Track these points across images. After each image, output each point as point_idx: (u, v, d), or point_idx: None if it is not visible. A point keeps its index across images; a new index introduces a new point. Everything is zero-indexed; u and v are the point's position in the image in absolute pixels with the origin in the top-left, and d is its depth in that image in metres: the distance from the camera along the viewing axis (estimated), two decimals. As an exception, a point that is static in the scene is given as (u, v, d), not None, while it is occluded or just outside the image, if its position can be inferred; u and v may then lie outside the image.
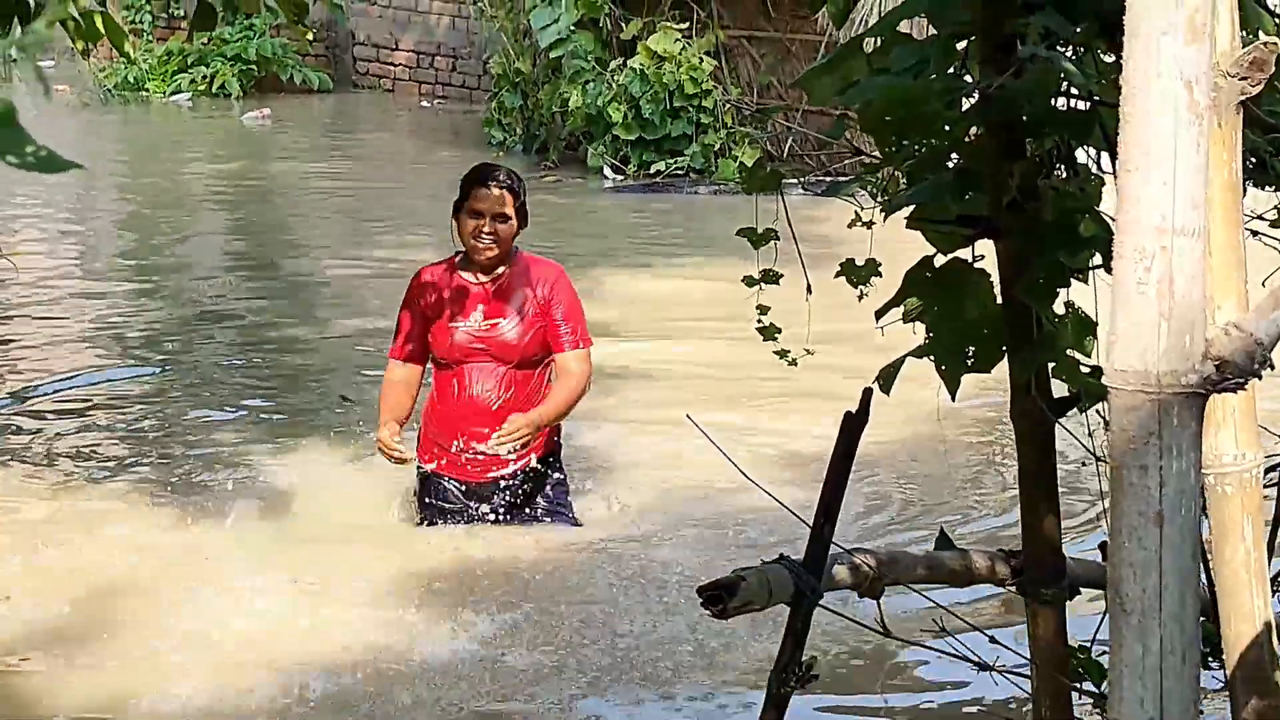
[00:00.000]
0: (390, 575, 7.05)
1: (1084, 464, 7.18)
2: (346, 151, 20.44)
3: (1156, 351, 1.76)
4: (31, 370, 10.28)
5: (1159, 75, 1.78)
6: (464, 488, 7.47)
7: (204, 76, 24.06)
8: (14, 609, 6.65)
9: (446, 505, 7.50)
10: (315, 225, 15.92)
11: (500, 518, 7.42)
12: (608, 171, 18.22)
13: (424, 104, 23.95)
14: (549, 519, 7.44)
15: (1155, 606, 1.71)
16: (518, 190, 7.42)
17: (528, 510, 7.44)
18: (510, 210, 7.34)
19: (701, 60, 17.99)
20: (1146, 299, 1.75)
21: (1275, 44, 2.19)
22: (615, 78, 18.11)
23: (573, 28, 18.47)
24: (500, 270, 7.43)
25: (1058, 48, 3.26)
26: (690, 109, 17.99)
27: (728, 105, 18.08)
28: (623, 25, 18.56)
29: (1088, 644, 3.89)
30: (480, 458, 7.39)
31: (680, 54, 17.93)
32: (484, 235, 7.28)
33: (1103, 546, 4.20)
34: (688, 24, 18.30)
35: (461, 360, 7.36)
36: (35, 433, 9.06)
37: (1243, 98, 2.28)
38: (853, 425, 3.11)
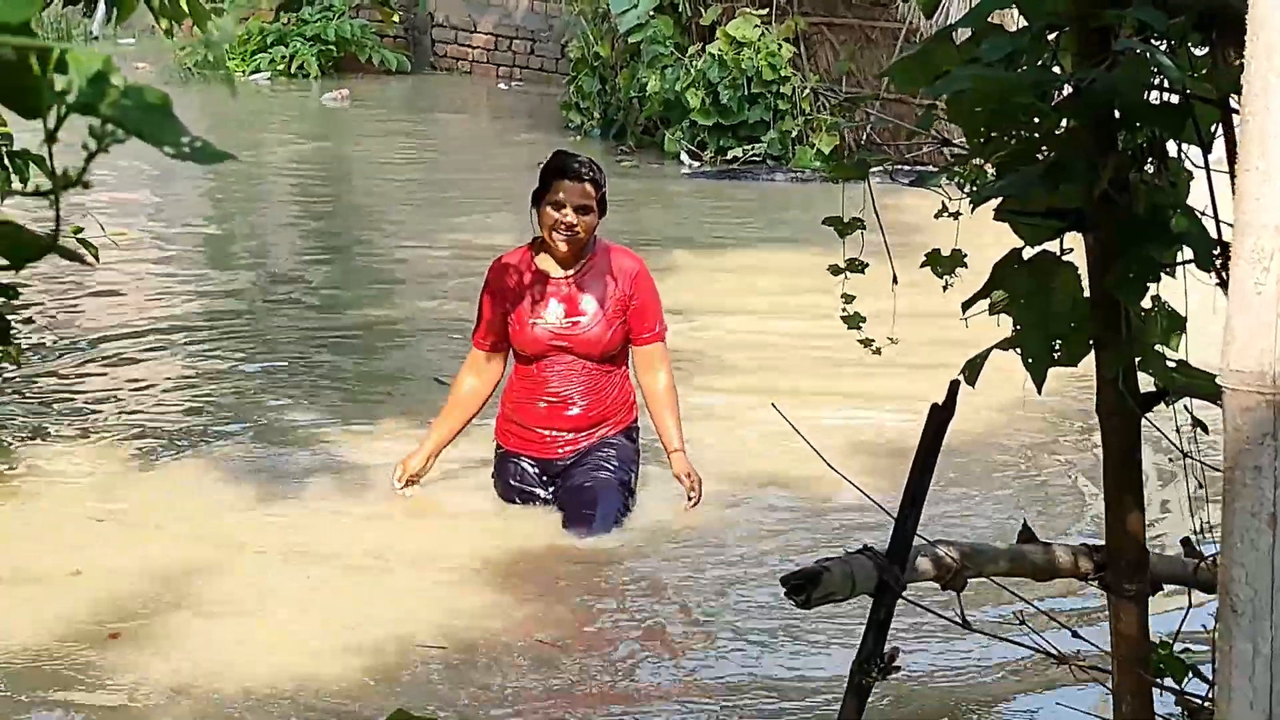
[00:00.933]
0: (470, 556, 7.08)
1: (1170, 459, 7.15)
2: (424, 132, 20.49)
3: (1274, 353, 1.75)
4: (106, 345, 10.35)
5: (1279, 74, 1.76)
6: (539, 467, 7.52)
7: (283, 56, 24.17)
8: (89, 584, 6.71)
9: (524, 486, 7.54)
10: (393, 205, 15.97)
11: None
12: (684, 157, 18.20)
13: (501, 86, 23.99)
14: (598, 472, 7.44)
15: (1267, 608, 1.70)
16: (600, 181, 7.41)
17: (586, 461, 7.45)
18: (592, 202, 7.34)
19: (780, 47, 17.94)
20: (1264, 300, 1.73)
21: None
22: (693, 63, 18.09)
23: (652, 13, 18.45)
24: (580, 262, 7.44)
25: (1152, 41, 3.24)
26: (768, 95, 17.95)
27: (807, 91, 18.03)
28: (702, 11, 18.53)
29: (1169, 640, 3.88)
30: (557, 437, 7.45)
31: (759, 40, 17.89)
32: (566, 227, 7.27)
33: (1185, 543, 4.19)
34: (767, 10, 18.25)
35: (541, 355, 7.39)
36: (110, 403, 9.13)
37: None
38: (939, 417, 3.11)
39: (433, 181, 17.24)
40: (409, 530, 7.41)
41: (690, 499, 7.44)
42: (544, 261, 7.45)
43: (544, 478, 7.53)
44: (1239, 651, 1.72)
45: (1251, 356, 1.77)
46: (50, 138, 1.12)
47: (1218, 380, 1.78)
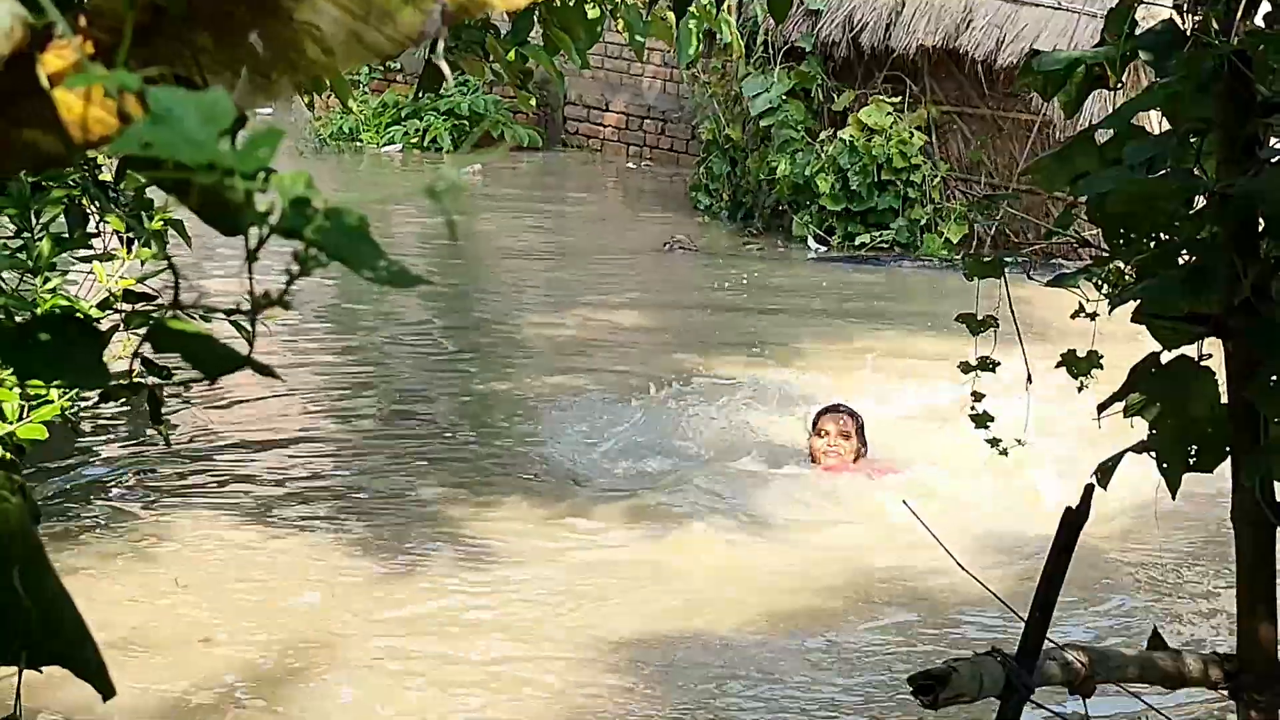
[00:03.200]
0: (585, 632, 7.09)
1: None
2: (554, 209, 20.62)
3: None
4: (233, 413, 10.46)
5: None
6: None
7: (416, 129, 24.43)
8: (211, 646, 6.77)
9: None
10: (520, 280, 16.06)
11: None
12: (812, 242, 18.21)
13: (630, 165, 24.13)
14: None
15: None
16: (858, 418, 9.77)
17: None
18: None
19: (912, 134, 17.93)
20: None
21: None
22: (824, 148, 18.12)
23: (784, 97, 18.51)
24: None
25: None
26: (898, 183, 17.94)
27: (938, 180, 17.99)
28: (834, 97, 18.57)
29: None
30: None
31: (891, 127, 17.90)
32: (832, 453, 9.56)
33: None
34: (899, 98, 18.27)
35: None
36: (238, 474, 9.23)
37: None
38: (1073, 520, 3.09)
39: (560, 257, 17.33)
40: (516, 610, 7.42)
41: None
42: None
43: None
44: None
45: None
46: (251, 258, 1.15)
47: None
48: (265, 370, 1.25)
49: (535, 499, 8.80)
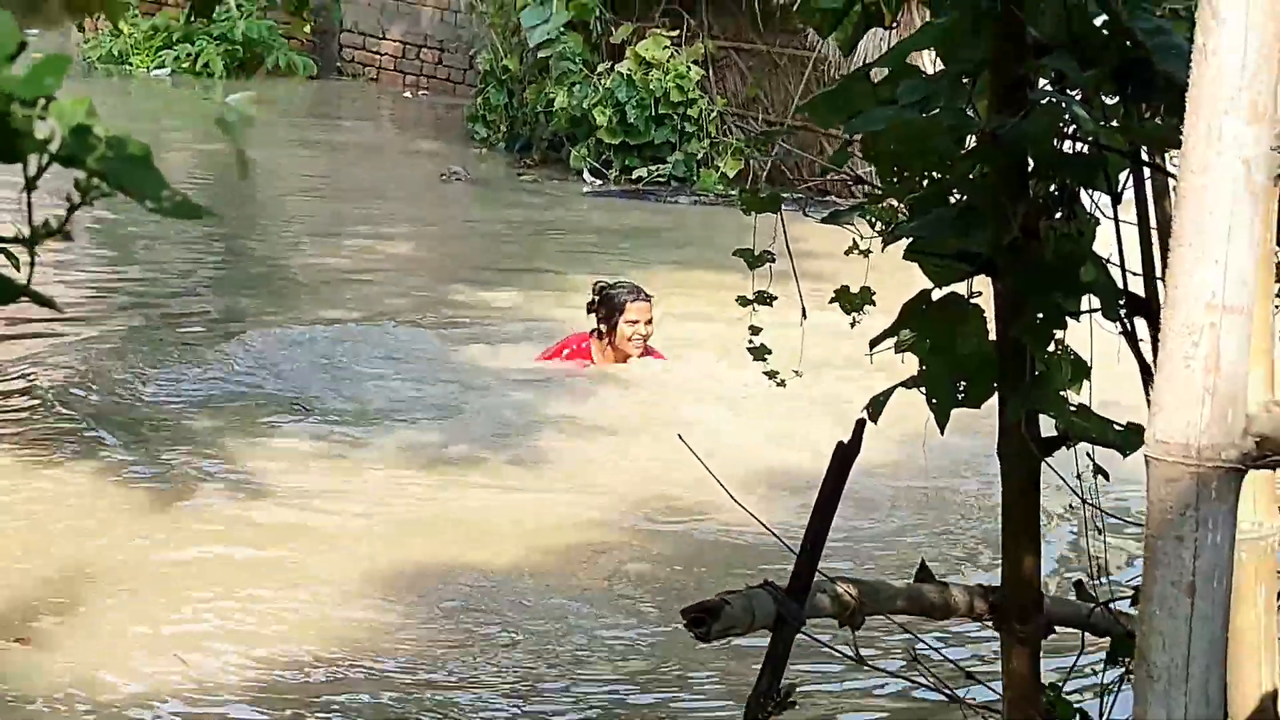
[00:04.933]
0: (342, 571, 7.04)
1: (1070, 506, 7.20)
2: (329, 138, 20.37)
3: (1199, 426, 1.78)
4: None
5: (1218, 154, 1.79)
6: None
7: (188, 54, 23.97)
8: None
9: None
10: (293, 212, 15.86)
11: None
12: (588, 175, 18.22)
13: (407, 95, 23.91)
14: None
15: (1182, 676, 1.72)
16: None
17: None
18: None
19: (689, 69, 18.00)
20: (1192, 374, 1.76)
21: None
22: (602, 81, 18.12)
23: (562, 29, 18.46)
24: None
25: (1067, 91, 3.27)
26: (675, 117, 18.01)
27: (714, 115, 18.09)
28: (613, 29, 18.57)
29: (1059, 682, 3.91)
30: None
31: (669, 61, 17.95)
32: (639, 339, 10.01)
33: (1078, 586, 4.23)
34: (678, 31, 18.31)
35: None
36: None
37: (1281, 170, 2.29)
38: (844, 455, 3.12)
39: (334, 188, 17.15)
40: (281, 547, 7.35)
41: None
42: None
43: None
44: (1153, 718, 1.74)
45: (1177, 429, 1.80)
46: (29, 186, 1.11)
47: (1143, 451, 1.81)
48: (44, 301, 1.21)
49: (304, 435, 8.71)
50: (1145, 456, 1.81)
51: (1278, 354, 3.28)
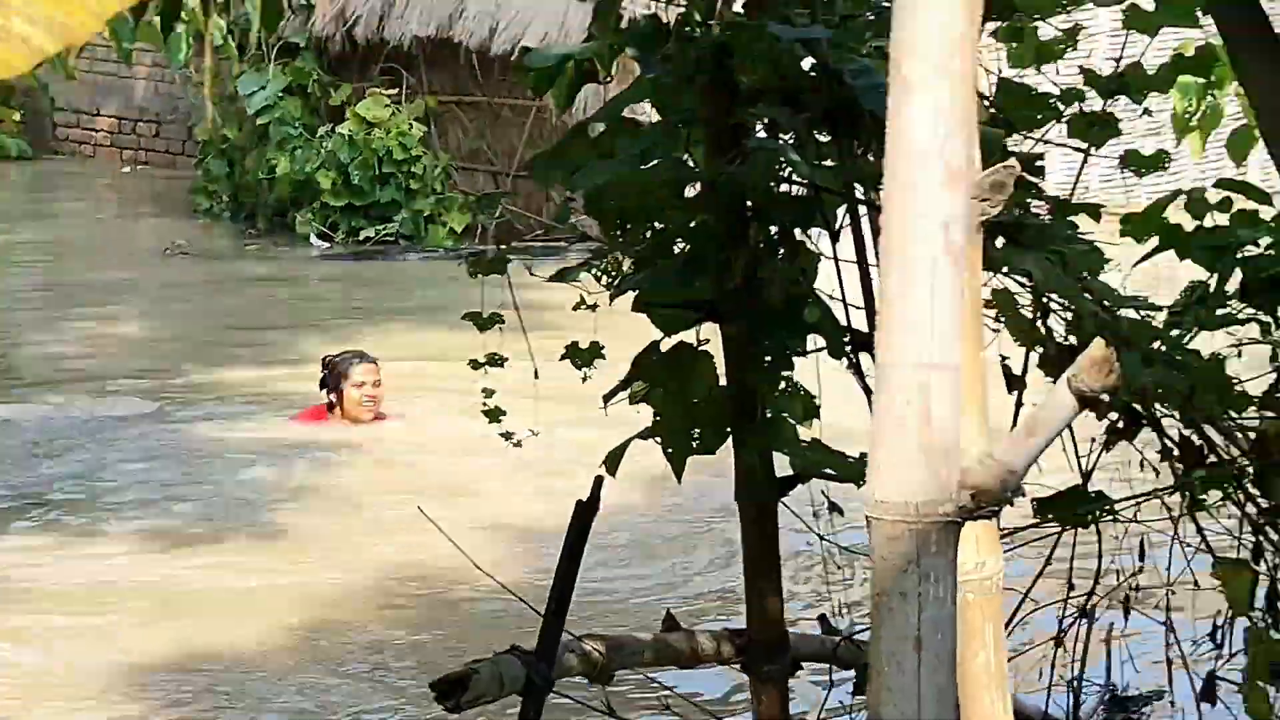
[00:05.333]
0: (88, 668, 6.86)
1: (808, 543, 7.25)
2: (48, 220, 19.85)
3: (914, 483, 1.82)
4: None
5: (917, 216, 1.82)
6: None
7: (-112, 140, 23.26)
8: None
9: None
10: (13, 297, 15.42)
11: None
12: (315, 239, 18.03)
13: (125, 170, 23.46)
14: None
15: (914, 727, 1.75)
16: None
17: None
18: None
19: (411, 126, 17.95)
20: (906, 433, 1.79)
21: (1014, 167, 2.25)
22: (324, 144, 17.98)
23: (280, 94, 18.29)
24: None
25: (780, 137, 3.32)
26: (400, 175, 17.93)
27: (439, 170, 18.05)
28: (331, 91, 18.45)
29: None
30: None
31: (390, 119, 17.88)
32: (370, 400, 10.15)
33: (822, 620, 4.27)
34: (397, 90, 18.26)
35: None
36: None
37: (983, 219, 2.34)
38: (583, 513, 3.12)
39: (56, 268, 16.76)
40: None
41: None
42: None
43: None
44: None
45: (894, 488, 1.83)
46: None
47: (865, 511, 1.84)
48: None
49: (36, 528, 8.48)
50: (867, 517, 1.85)
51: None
